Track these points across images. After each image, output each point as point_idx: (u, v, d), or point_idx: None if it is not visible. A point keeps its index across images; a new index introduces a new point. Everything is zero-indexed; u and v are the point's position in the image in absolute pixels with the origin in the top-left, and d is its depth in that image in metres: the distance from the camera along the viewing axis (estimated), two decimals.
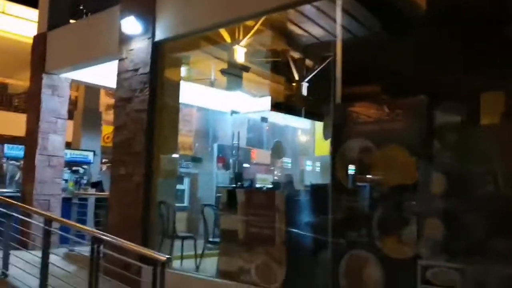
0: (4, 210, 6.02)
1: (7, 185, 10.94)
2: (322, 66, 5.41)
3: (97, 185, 11.34)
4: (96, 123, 13.10)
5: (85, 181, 11.39)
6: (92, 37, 7.53)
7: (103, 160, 13.71)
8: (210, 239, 5.75)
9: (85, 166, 11.50)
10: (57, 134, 8.40)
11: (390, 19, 4.69)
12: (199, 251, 6.06)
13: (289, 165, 9.66)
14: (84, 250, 7.43)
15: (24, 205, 6.68)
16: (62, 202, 8.45)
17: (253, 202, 5.15)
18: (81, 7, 8.39)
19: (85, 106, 12.93)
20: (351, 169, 4.37)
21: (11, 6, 14.68)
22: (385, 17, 4.69)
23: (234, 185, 6.54)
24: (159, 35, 6.29)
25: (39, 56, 8.42)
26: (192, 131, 11.08)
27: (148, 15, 6.33)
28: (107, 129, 15.00)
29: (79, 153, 11.61)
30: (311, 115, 6.41)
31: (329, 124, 4.77)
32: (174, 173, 6.74)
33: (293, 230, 4.82)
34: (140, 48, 6.40)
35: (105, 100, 15.33)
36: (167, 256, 3.78)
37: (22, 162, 10.63)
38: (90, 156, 11.74)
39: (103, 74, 8.19)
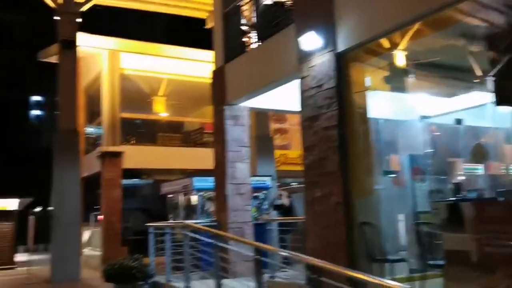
0: (212, 241, 6.20)
1: (198, 215, 11.67)
2: None
3: (279, 207, 11.42)
4: (268, 148, 13.40)
5: (265, 206, 11.62)
6: (269, 61, 7.55)
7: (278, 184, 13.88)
8: (431, 262, 5.04)
9: (264, 191, 11.73)
10: (242, 162, 8.60)
11: None
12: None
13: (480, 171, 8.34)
14: (283, 275, 7.39)
15: (233, 236, 6.83)
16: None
17: (487, 216, 4.33)
18: (251, 37, 8.54)
19: (257, 134, 13.31)
20: None
21: (181, 50, 16.05)
22: None
23: (455, 198, 5.74)
24: (342, 46, 5.94)
25: (219, 89, 8.80)
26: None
27: (328, 27, 6.04)
28: (276, 153, 15.30)
29: (258, 179, 11.86)
30: None
31: None
32: (372, 190, 6.22)
33: None
34: (322, 62, 6.13)
35: (272, 125, 15.71)
36: (408, 287, 3.26)
37: (209, 193, 11.26)
38: (268, 181, 11.97)
39: (279, 98, 8.18)
